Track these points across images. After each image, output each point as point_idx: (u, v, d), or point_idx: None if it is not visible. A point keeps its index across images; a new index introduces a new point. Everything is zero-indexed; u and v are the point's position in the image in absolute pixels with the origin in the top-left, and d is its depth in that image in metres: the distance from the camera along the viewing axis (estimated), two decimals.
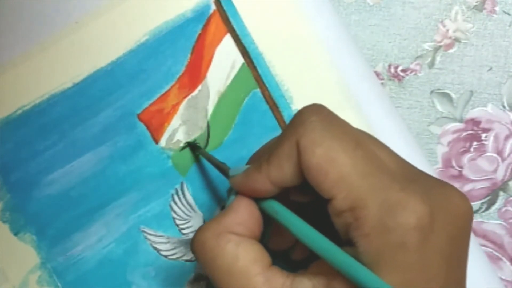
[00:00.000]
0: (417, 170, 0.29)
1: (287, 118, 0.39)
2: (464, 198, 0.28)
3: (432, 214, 0.26)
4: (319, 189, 0.28)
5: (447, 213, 0.27)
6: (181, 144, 0.38)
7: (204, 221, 0.38)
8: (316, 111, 0.29)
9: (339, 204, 0.27)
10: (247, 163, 0.33)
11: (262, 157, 0.30)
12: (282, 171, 0.29)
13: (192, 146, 0.38)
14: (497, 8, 0.45)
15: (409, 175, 0.28)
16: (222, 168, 0.33)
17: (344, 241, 0.27)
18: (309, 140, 0.28)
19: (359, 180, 0.27)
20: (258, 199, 0.30)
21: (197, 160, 0.38)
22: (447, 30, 0.44)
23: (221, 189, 0.39)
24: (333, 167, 0.27)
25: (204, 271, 0.29)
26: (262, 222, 0.30)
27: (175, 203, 0.38)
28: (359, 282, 0.26)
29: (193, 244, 0.29)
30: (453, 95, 0.44)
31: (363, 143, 0.28)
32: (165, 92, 0.38)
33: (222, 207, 0.38)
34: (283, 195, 0.30)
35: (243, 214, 0.30)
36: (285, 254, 0.33)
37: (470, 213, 0.28)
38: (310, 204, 0.30)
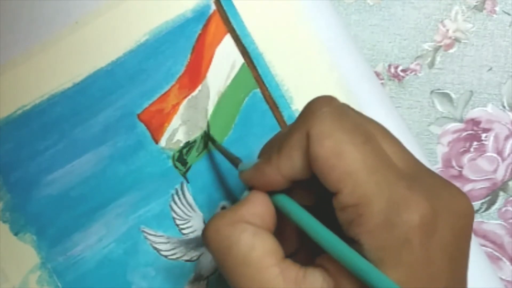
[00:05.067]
0: (423, 168, 0.29)
1: (287, 118, 0.39)
2: (466, 198, 0.28)
3: (435, 212, 0.26)
4: (325, 182, 0.27)
5: (450, 212, 0.27)
6: (181, 144, 0.38)
7: (204, 221, 0.38)
8: (327, 102, 0.29)
9: (344, 198, 0.27)
10: (258, 157, 0.32)
11: (273, 148, 0.29)
12: (292, 162, 0.28)
13: (207, 137, 0.38)
14: (497, 8, 0.45)
15: (415, 173, 0.28)
16: (236, 163, 0.33)
17: (347, 237, 0.27)
18: (318, 131, 0.27)
19: (366, 176, 0.27)
20: (269, 193, 0.30)
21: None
22: (447, 30, 0.44)
23: (221, 190, 0.39)
24: (341, 160, 0.27)
25: (215, 259, 0.29)
26: (276, 216, 0.30)
27: (175, 203, 0.38)
28: (365, 279, 0.26)
29: (207, 231, 0.29)
30: (453, 95, 0.44)
31: (373, 138, 0.28)
32: (165, 92, 0.38)
33: (223, 208, 0.38)
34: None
35: (258, 206, 0.29)
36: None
37: (471, 213, 0.28)
38: (313, 207, 0.30)
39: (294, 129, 0.29)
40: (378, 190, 0.26)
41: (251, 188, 0.31)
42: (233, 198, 0.39)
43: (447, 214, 0.27)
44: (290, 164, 0.28)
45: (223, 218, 0.29)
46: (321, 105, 0.28)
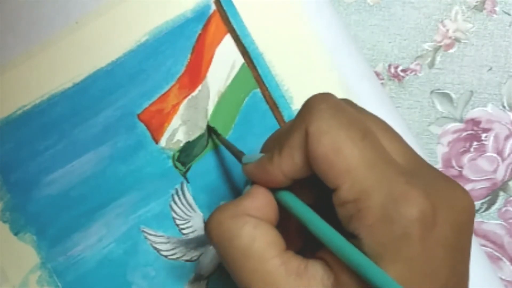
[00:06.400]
0: (424, 163, 0.29)
1: (287, 118, 0.39)
2: (466, 193, 0.28)
3: (434, 207, 0.26)
4: (325, 178, 0.28)
5: (449, 207, 0.27)
6: (181, 144, 0.38)
7: (204, 221, 0.38)
8: (324, 99, 0.29)
9: (343, 194, 0.27)
10: (261, 150, 0.32)
11: (275, 147, 0.30)
12: (293, 161, 0.28)
13: (210, 130, 0.38)
14: (497, 8, 0.45)
15: (415, 169, 0.28)
16: (239, 156, 0.33)
17: (347, 233, 0.28)
18: (316, 128, 0.27)
19: (365, 172, 0.27)
20: (271, 189, 0.30)
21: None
22: (447, 30, 0.44)
23: (221, 189, 0.39)
24: (339, 157, 0.27)
25: (217, 252, 0.29)
26: (278, 210, 0.30)
27: (175, 203, 0.38)
28: (362, 273, 0.26)
29: (209, 223, 0.29)
30: (453, 95, 0.44)
31: (371, 134, 0.28)
32: (165, 92, 0.38)
33: None
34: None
35: (260, 200, 0.30)
36: None
37: (472, 208, 0.28)
38: (313, 205, 0.30)
39: (293, 127, 0.29)
40: (376, 185, 0.26)
41: (253, 182, 0.31)
42: (233, 198, 0.39)
43: (447, 209, 0.27)
44: (291, 163, 0.29)
45: (225, 211, 0.29)
46: (318, 102, 0.29)
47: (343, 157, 0.27)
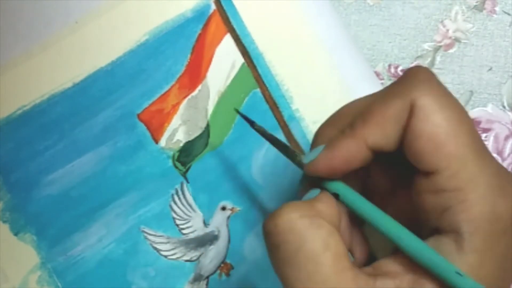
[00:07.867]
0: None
1: (287, 118, 0.39)
2: None
3: None
4: (424, 159, 0.25)
5: None
6: (181, 144, 0.38)
7: (204, 221, 0.38)
8: (432, 74, 0.26)
9: (443, 181, 0.25)
10: (313, 143, 0.29)
11: (357, 118, 0.27)
12: (383, 132, 0.26)
13: (246, 119, 0.34)
14: (497, 8, 0.45)
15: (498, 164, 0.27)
16: (290, 152, 0.30)
17: (429, 228, 0.25)
18: (427, 103, 0.25)
19: (474, 161, 0.25)
20: (334, 195, 0.28)
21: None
22: (447, 30, 0.44)
23: (221, 189, 0.39)
24: (451, 140, 0.25)
25: (276, 252, 0.26)
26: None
27: (175, 203, 0.38)
28: (451, 284, 0.24)
29: (277, 219, 0.26)
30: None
31: (473, 123, 0.26)
32: (165, 92, 0.38)
33: (223, 208, 0.38)
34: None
35: (332, 208, 0.27)
36: None
37: None
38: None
39: (393, 96, 0.26)
40: (481, 176, 0.25)
41: (311, 184, 0.28)
42: (233, 198, 0.38)
43: None
44: (380, 134, 0.26)
45: (298, 210, 0.26)
46: (429, 76, 0.26)
47: (455, 141, 0.25)
